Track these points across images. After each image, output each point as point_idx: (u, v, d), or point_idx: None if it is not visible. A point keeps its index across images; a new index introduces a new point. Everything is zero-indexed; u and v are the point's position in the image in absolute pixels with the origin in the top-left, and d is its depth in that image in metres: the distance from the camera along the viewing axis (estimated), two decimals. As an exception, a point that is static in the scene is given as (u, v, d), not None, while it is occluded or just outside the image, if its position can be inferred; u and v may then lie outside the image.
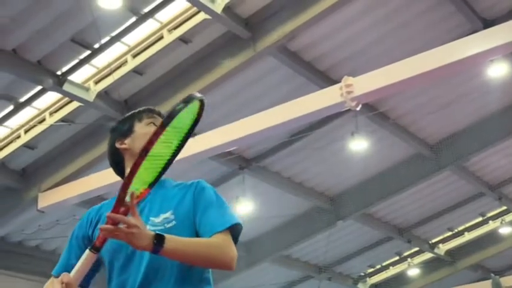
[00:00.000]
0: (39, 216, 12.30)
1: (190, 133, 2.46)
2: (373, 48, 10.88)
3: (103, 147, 10.95)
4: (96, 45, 9.73)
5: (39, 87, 9.96)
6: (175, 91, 10.40)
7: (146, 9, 9.40)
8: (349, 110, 9.69)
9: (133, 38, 10.10)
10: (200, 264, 2.47)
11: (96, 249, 2.39)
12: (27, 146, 11.17)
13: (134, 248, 2.35)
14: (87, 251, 2.41)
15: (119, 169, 2.74)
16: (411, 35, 10.81)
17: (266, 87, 11.15)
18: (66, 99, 10.60)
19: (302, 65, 10.85)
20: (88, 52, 9.80)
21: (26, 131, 11.03)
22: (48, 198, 11.25)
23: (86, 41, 9.65)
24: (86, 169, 11.16)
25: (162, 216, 2.54)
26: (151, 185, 2.44)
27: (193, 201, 2.61)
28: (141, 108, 2.80)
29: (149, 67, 10.43)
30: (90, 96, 10.24)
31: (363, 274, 18.79)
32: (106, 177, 10.74)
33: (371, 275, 18.91)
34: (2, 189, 11.81)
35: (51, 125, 10.78)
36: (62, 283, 2.36)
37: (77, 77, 10.16)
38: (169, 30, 9.91)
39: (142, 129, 2.66)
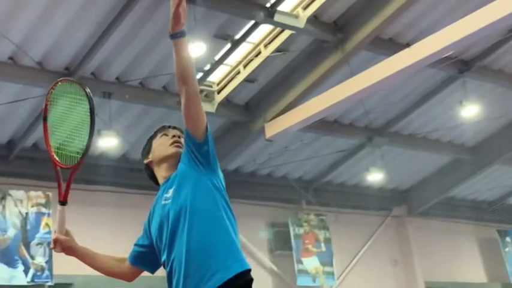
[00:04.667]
0: (268, 145, 12.86)
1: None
2: None
3: (319, 71, 11.13)
4: (300, -29, 9.79)
5: (251, 22, 10.25)
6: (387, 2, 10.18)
7: None
8: None
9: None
10: (179, 64, 3.06)
11: (61, 203, 3.29)
12: (248, 80, 11.61)
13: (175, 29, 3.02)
14: (58, 206, 3.30)
15: (154, 180, 3.35)
16: None
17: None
18: (278, 29, 10.84)
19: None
20: (293, -21, 9.89)
21: (244, 66, 11.47)
22: (274, 127, 11.66)
23: (289, -31, 9.73)
24: (305, 94, 11.40)
25: (170, 191, 3.11)
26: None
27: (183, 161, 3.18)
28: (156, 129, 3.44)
29: (354, -16, 10.31)
30: (301, 23, 10.35)
31: None
32: (326, 100, 10.93)
33: None
34: (229, 124, 12.45)
35: (267, 57, 11.10)
36: (55, 242, 3.30)
37: (285, 6, 10.31)
38: None
39: (157, 141, 3.32)
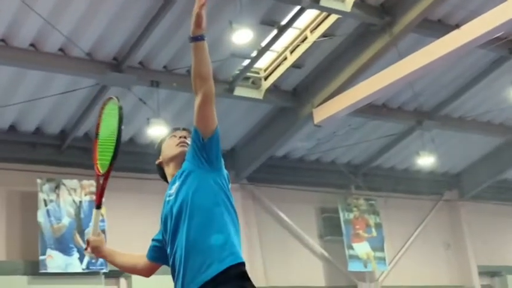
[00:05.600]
0: (316, 131, 12.83)
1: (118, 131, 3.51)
2: None
3: (367, 55, 11.03)
4: (345, -46, 9.70)
5: (297, 8, 10.20)
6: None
7: None
8: None
9: None
10: (198, 65, 3.20)
11: (97, 207, 3.56)
12: (295, 65, 11.58)
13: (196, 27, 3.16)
14: (94, 210, 3.59)
15: (165, 179, 3.54)
16: None
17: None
18: (324, 14, 10.78)
19: None
20: (338, -37, 9.80)
21: (291, 52, 11.44)
22: (322, 113, 11.61)
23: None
24: (353, 79, 11.32)
25: (173, 187, 3.30)
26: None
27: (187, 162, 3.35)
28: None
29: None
30: (347, 7, 10.26)
31: None
32: (374, 84, 10.84)
33: None
34: (277, 111, 12.44)
35: (314, 42, 11.06)
36: (88, 243, 3.58)
37: (330, -10, 10.24)
38: None
39: (166, 143, 3.51)
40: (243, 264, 3.15)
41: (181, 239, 3.17)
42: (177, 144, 3.45)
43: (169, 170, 3.46)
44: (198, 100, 3.18)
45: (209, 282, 3.05)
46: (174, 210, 3.24)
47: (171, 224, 3.25)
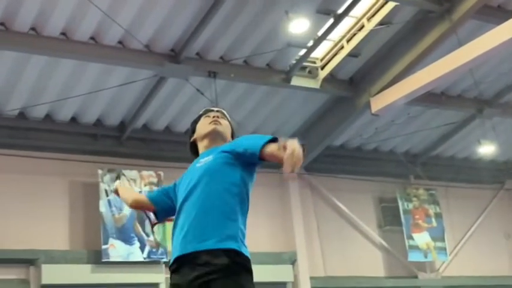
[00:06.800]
0: (373, 120, 12.73)
1: None
2: None
3: (425, 43, 10.88)
4: None
5: (354, -4, 10.13)
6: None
7: None
8: None
9: None
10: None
11: (155, 213, 3.93)
12: (351, 54, 11.50)
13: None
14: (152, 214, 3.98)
15: (196, 154, 3.79)
16: None
17: None
18: (381, 1, 10.67)
19: None
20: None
21: (348, 41, 11.36)
22: (379, 102, 11.51)
23: None
24: (411, 67, 11.18)
25: (206, 158, 3.56)
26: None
27: (230, 144, 3.60)
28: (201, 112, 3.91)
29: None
30: (405, -6, 10.16)
31: None
32: (432, 72, 10.68)
33: None
34: (334, 100, 12.39)
35: (371, 30, 10.96)
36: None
37: (388, -23, 10.12)
38: None
39: (200, 122, 3.80)
40: (241, 253, 3.31)
41: (193, 204, 3.43)
42: (210, 123, 3.73)
43: (202, 144, 3.74)
44: (279, 153, 3.14)
45: (201, 253, 3.28)
46: (197, 176, 3.49)
47: (189, 186, 3.49)
